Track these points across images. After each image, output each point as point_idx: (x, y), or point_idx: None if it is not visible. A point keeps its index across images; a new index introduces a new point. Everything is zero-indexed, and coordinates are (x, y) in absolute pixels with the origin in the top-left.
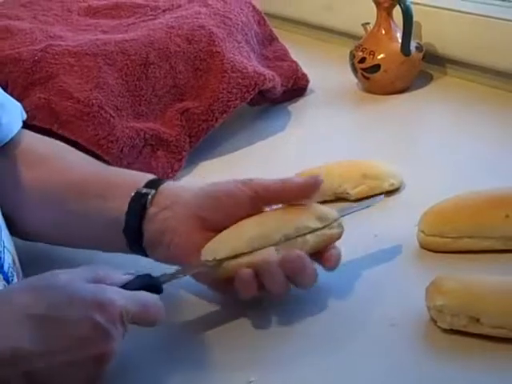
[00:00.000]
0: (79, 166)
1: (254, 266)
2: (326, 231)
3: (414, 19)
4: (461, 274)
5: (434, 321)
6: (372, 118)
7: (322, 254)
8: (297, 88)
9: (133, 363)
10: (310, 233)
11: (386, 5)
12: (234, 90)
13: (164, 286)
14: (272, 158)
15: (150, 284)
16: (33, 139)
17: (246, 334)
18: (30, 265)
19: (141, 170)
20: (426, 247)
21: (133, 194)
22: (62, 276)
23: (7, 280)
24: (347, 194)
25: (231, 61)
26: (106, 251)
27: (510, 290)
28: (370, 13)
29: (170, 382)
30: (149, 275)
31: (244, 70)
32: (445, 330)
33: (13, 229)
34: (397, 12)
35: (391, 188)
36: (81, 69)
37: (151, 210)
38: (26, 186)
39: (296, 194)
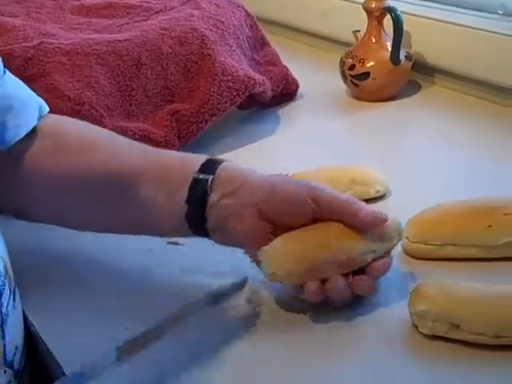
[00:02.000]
0: (122, 154)
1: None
2: (387, 245)
3: (404, 29)
4: (443, 281)
5: (415, 326)
6: (360, 124)
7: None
8: (287, 93)
9: None
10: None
11: (376, 13)
12: (225, 93)
13: None
14: (260, 161)
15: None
16: (69, 124)
17: (227, 326)
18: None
19: None
20: (409, 254)
21: (190, 180)
22: None
23: None
24: None
25: (222, 64)
26: (160, 236)
27: (491, 297)
28: (361, 21)
29: (149, 374)
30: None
31: (235, 74)
32: (426, 336)
33: (60, 221)
34: (387, 21)
35: (377, 195)
36: (72, 67)
37: (213, 197)
38: (71, 174)
39: (353, 224)
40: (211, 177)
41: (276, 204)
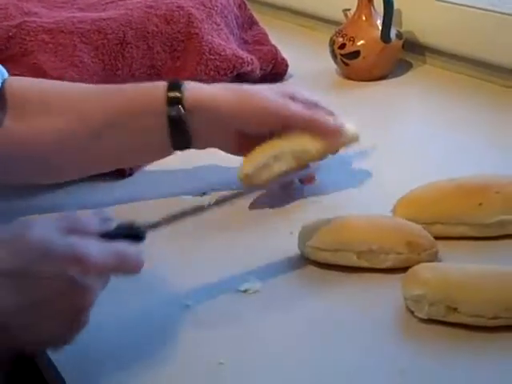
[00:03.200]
0: (90, 101)
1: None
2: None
3: (395, 7)
4: (437, 264)
5: (410, 311)
6: (350, 104)
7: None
8: (276, 73)
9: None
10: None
11: None
12: (212, 73)
13: None
14: None
15: (131, 233)
16: (27, 82)
17: (217, 315)
18: None
19: None
20: None
21: (165, 100)
22: (36, 228)
23: None
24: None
25: (209, 43)
26: (146, 162)
27: (488, 278)
28: None
29: (139, 360)
30: (131, 224)
31: (222, 53)
32: (422, 320)
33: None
34: None
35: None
36: (56, 46)
37: (189, 104)
38: (39, 137)
39: (323, 132)
40: (181, 94)
41: (256, 121)
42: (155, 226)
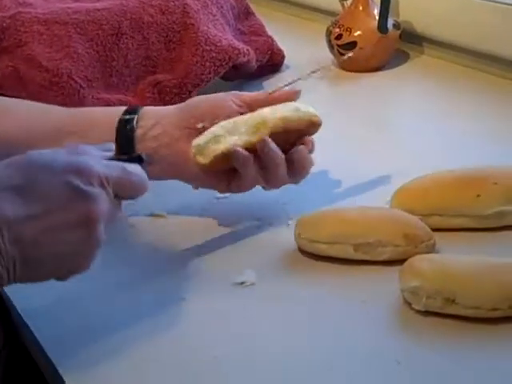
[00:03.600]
0: (49, 111)
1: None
2: (298, 113)
3: None
4: (435, 255)
5: (407, 303)
6: (347, 95)
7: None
8: (272, 64)
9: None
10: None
11: None
12: (208, 64)
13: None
14: None
15: (133, 158)
16: None
17: (213, 308)
18: None
19: None
20: None
21: (116, 122)
22: (44, 152)
23: None
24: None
25: (205, 33)
26: None
27: (486, 269)
28: None
29: (134, 353)
30: (131, 155)
31: (218, 44)
32: (420, 312)
33: None
34: None
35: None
36: (50, 37)
37: (139, 132)
38: None
39: (280, 101)
40: (135, 116)
41: (201, 111)
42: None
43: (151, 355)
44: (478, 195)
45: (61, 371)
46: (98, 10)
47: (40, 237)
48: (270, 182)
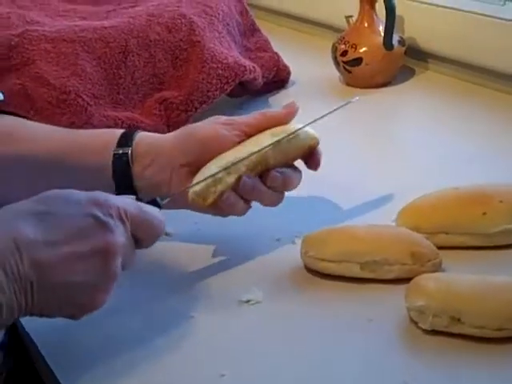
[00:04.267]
0: (48, 137)
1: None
2: (297, 141)
3: (397, 13)
4: (441, 274)
5: (414, 322)
6: (352, 111)
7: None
8: (278, 80)
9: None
10: (267, 147)
11: None
12: (214, 81)
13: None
14: None
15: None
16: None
17: (219, 325)
18: None
19: None
20: None
21: (111, 156)
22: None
23: None
24: None
25: (211, 51)
26: None
27: (492, 289)
28: (353, 6)
29: (140, 370)
30: (154, 200)
31: (224, 61)
32: (426, 331)
33: None
34: (380, 6)
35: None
36: (58, 55)
37: (135, 169)
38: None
39: (277, 124)
40: (129, 149)
41: (196, 147)
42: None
43: (159, 373)
44: (484, 213)
45: None
46: (105, 27)
47: (58, 263)
48: (264, 205)
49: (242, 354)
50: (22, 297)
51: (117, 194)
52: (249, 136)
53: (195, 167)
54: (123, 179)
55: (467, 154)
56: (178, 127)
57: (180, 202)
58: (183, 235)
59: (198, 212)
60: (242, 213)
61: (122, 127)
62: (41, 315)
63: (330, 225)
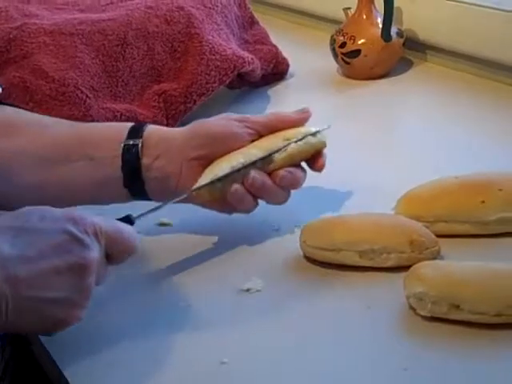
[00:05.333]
0: (53, 129)
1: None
2: (301, 143)
3: (395, 5)
4: (439, 261)
5: (413, 309)
6: (351, 103)
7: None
8: (277, 72)
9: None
10: (277, 152)
11: None
12: (213, 73)
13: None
14: None
15: (122, 219)
16: (2, 109)
17: (220, 314)
18: None
19: None
20: None
21: (121, 148)
22: (44, 206)
23: None
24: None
25: (210, 43)
26: (103, 204)
27: (490, 275)
28: None
29: (140, 359)
30: (122, 217)
31: (223, 53)
32: (425, 318)
33: None
34: None
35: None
36: (57, 48)
37: (145, 161)
38: (4, 155)
39: (289, 126)
40: (140, 141)
41: (207, 141)
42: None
43: (159, 362)
44: (483, 201)
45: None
46: (104, 20)
47: (33, 278)
48: (270, 202)
49: (242, 342)
50: (8, 316)
51: (125, 186)
52: (260, 135)
53: (206, 161)
54: (132, 171)
55: (466, 143)
56: (177, 119)
57: (193, 198)
58: (183, 225)
59: (203, 207)
60: (249, 208)
61: (120, 119)
62: (15, 332)
63: (328, 214)
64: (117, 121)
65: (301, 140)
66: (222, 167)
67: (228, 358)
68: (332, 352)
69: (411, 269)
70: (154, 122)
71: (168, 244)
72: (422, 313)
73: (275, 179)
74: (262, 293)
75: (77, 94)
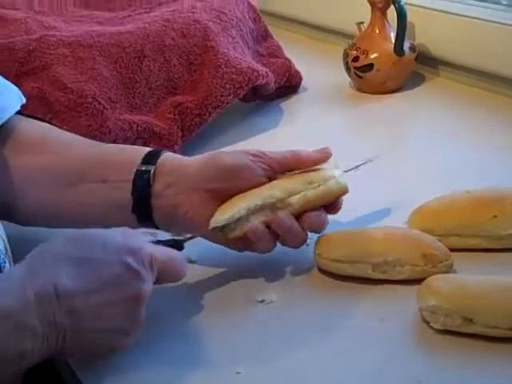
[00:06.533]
0: (73, 149)
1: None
2: (322, 188)
3: (408, 20)
4: (453, 274)
5: (426, 322)
6: (363, 117)
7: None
8: (290, 85)
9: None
10: (296, 194)
11: (380, 5)
12: (228, 86)
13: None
14: None
15: (172, 244)
16: (26, 123)
17: (235, 324)
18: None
19: None
20: None
21: (133, 173)
22: (101, 230)
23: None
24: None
25: (225, 56)
26: (111, 227)
27: (503, 289)
28: (365, 12)
29: (155, 368)
30: (172, 239)
31: (238, 66)
32: (438, 331)
33: (9, 215)
34: (391, 12)
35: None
36: (75, 60)
37: (156, 188)
38: (20, 171)
39: (307, 166)
40: (152, 167)
41: (221, 174)
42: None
43: (173, 371)
44: (495, 216)
45: None
46: (122, 33)
47: (93, 311)
48: (287, 245)
49: (256, 352)
50: (53, 342)
51: (132, 212)
52: (276, 172)
53: (217, 194)
54: (141, 196)
55: (477, 158)
56: (192, 131)
57: (187, 229)
58: (199, 238)
59: (218, 244)
60: (267, 247)
61: (136, 130)
62: (69, 357)
63: (342, 227)
64: (133, 132)
65: (322, 185)
66: (237, 205)
67: (243, 368)
68: (345, 364)
69: (425, 282)
70: (169, 134)
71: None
72: (435, 326)
73: (303, 224)
74: (276, 304)
75: (94, 105)
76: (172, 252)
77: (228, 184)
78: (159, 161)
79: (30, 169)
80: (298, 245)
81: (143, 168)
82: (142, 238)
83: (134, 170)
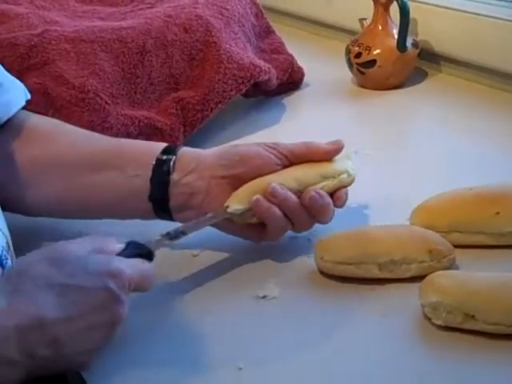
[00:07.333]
0: (89, 140)
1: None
2: (335, 183)
3: (411, 16)
4: (454, 271)
5: (428, 318)
6: (366, 112)
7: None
8: (292, 81)
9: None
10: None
11: (383, 1)
12: (230, 81)
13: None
14: None
15: (142, 252)
16: (37, 118)
17: (236, 320)
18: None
19: None
20: None
21: (154, 161)
22: (73, 247)
23: (1, 264)
24: None
25: (227, 51)
26: (124, 219)
27: (505, 285)
28: (367, 8)
29: (157, 364)
30: (138, 243)
31: (240, 62)
32: (440, 327)
33: (15, 206)
34: (394, 8)
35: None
36: (77, 55)
37: (175, 176)
38: (32, 161)
39: (319, 157)
40: (173, 157)
41: (238, 161)
42: (159, 242)
43: (175, 367)
44: (498, 212)
45: None
46: (124, 28)
47: (74, 337)
48: (296, 226)
49: (258, 348)
50: (33, 370)
51: (150, 200)
52: (290, 162)
53: (234, 180)
54: (160, 183)
55: (480, 154)
56: (193, 127)
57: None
58: (202, 234)
59: (229, 234)
60: (278, 231)
61: (138, 126)
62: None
63: (343, 226)
64: (134, 127)
65: (336, 179)
66: (258, 193)
67: (244, 364)
68: (347, 359)
69: (426, 278)
70: (171, 129)
71: (185, 251)
72: (437, 322)
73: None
74: (278, 299)
75: (96, 101)
76: (144, 268)
77: (244, 170)
78: (179, 152)
79: (43, 159)
80: (329, 219)
81: (164, 157)
82: (111, 247)
83: (154, 160)
